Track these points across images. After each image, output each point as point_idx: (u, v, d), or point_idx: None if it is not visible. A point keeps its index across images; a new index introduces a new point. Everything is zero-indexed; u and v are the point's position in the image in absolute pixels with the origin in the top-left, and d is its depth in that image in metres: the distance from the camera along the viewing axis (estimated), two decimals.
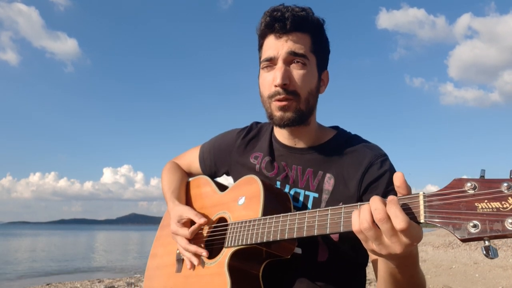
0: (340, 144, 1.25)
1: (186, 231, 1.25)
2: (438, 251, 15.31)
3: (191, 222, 1.29)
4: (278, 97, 1.16)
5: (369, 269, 1.23)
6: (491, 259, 0.70)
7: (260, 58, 1.24)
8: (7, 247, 29.83)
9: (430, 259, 12.35)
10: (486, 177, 0.71)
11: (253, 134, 1.42)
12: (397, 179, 0.79)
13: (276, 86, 1.15)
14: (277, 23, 1.15)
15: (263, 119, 1.41)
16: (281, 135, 1.30)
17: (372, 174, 1.16)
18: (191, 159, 1.56)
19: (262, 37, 1.23)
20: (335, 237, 1.17)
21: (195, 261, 1.22)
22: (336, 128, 1.32)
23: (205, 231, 1.30)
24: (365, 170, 1.16)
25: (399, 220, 0.73)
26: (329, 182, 1.20)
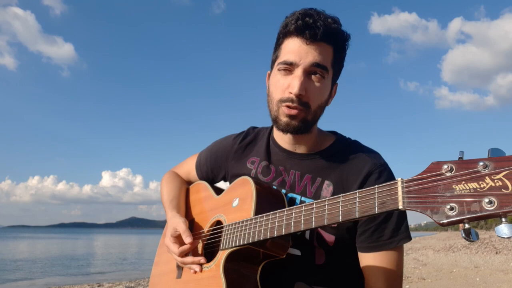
0: (339, 151, 1.23)
1: (176, 249, 1.24)
2: (438, 254, 15.24)
3: None
4: (289, 104, 1.13)
5: None
6: (472, 242, 0.68)
7: (276, 55, 1.20)
8: (6, 251, 29.79)
9: (431, 263, 12.30)
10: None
11: (250, 139, 1.40)
12: None
13: (290, 93, 1.12)
14: (308, 30, 1.09)
15: (259, 123, 1.38)
16: (282, 139, 1.28)
17: (370, 184, 1.14)
18: (189, 167, 1.55)
19: (284, 36, 1.16)
20: (330, 242, 1.16)
21: (197, 268, 1.22)
22: (334, 133, 1.31)
23: (203, 235, 1.31)
24: (364, 179, 1.15)
25: None
26: (327, 189, 1.18)
